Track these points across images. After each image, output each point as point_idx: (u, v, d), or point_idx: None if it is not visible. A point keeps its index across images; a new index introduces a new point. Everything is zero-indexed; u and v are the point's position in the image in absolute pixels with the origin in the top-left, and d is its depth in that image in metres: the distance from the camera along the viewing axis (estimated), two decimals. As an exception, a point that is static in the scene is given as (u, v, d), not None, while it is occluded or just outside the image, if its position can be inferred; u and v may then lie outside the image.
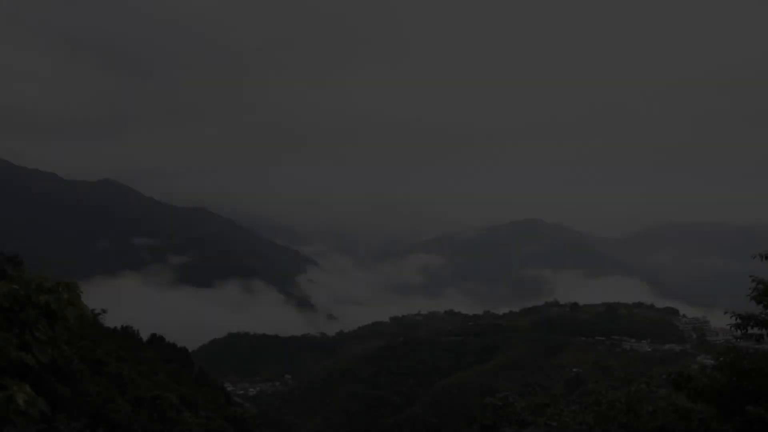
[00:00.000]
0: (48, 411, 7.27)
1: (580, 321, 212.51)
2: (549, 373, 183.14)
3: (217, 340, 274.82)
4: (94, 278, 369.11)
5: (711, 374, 12.28)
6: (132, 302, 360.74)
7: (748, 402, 11.34)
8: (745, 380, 11.79)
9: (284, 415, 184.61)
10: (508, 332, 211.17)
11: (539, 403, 12.92)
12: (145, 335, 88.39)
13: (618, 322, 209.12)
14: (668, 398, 12.73)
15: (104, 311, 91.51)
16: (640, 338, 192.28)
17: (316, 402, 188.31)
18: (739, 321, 13.70)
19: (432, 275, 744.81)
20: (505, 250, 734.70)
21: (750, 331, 13.60)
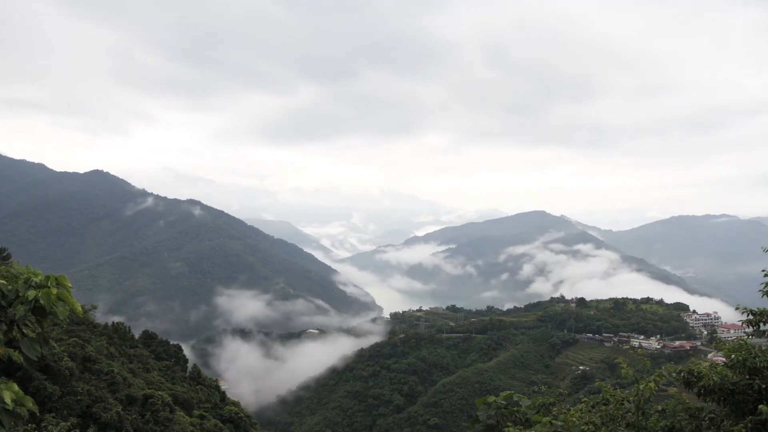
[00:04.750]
0: (36, 410, 7.27)
1: (587, 317, 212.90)
2: (555, 371, 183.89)
3: (211, 337, 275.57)
4: (85, 273, 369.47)
5: (722, 372, 12.27)
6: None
7: (761, 401, 11.36)
8: (757, 378, 11.80)
9: (281, 415, 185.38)
10: (513, 329, 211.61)
11: (544, 402, 12.90)
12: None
13: (626, 318, 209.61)
14: (678, 397, 12.73)
15: (95, 307, 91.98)
16: (648, 335, 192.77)
17: (314, 401, 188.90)
18: (750, 317, 13.73)
19: (434, 268, 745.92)
20: (511, 243, 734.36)
21: (762, 327, 13.62)
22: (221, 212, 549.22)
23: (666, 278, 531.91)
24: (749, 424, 10.98)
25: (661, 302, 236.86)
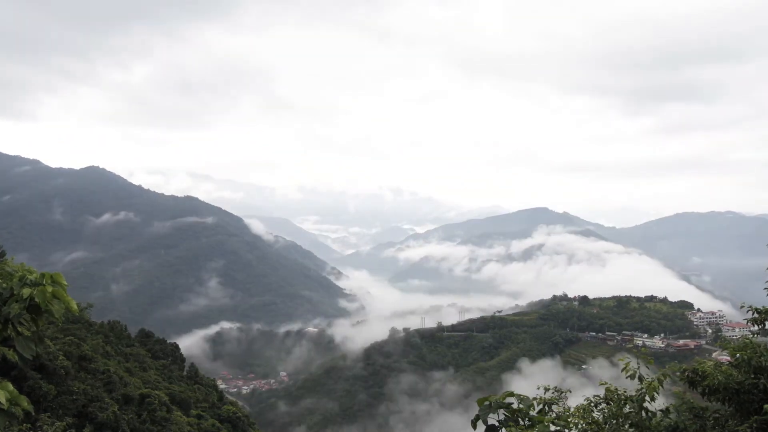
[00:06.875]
0: (32, 409, 7.27)
1: (590, 315, 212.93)
2: (557, 369, 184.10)
3: (208, 336, 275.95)
4: (81, 270, 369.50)
5: (727, 371, 12.26)
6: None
7: (767, 400, 11.36)
8: (762, 377, 11.80)
9: (279, 414, 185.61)
10: (515, 327, 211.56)
11: (546, 401, 12.89)
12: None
13: (629, 316, 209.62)
14: (682, 396, 12.73)
15: (90, 305, 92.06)
16: (652, 334, 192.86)
17: (313, 399, 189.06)
18: (756, 316, 13.72)
19: (435, 266, 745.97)
20: (514, 239, 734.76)
21: (768, 326, 13.60)
22: (219, 209, 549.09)
23: (671, 276, 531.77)
24: (754, 424, 10.99)
25: (665, 300, 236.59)
